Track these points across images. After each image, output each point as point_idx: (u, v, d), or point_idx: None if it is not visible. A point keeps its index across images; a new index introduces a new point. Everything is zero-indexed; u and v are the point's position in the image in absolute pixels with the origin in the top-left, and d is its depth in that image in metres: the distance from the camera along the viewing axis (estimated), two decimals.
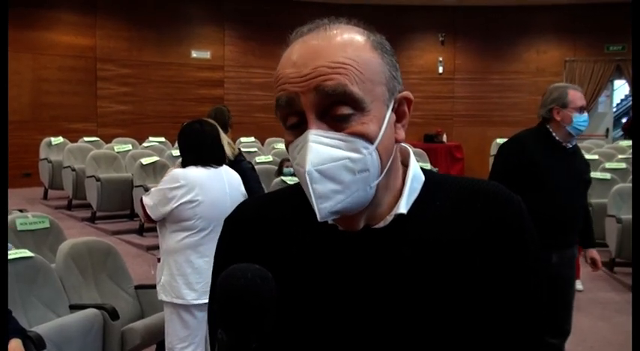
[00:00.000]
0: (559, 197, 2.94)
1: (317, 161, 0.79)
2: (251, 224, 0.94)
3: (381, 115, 0.83)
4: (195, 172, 3.03)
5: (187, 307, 3.01)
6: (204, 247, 2.98)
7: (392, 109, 0.86)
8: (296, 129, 0.83)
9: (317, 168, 0.79)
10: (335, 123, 0.81)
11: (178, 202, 2.96)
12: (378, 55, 0.84)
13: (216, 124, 3.32)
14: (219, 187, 3.04)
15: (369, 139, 0.81)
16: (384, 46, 0.86)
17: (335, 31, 0.84)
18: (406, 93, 0.88)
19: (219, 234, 3.13)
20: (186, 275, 2.99)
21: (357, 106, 0.80)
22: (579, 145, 3.24)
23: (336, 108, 0.80)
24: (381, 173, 0.84)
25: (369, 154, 0.81)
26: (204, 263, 2.97)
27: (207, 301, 3.09)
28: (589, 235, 3.27)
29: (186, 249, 3.00)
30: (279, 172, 6.31)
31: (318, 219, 0.80)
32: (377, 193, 0.84)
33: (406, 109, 0.89)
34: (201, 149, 3.09)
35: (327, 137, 0.80)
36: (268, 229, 0.93)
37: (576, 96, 3.01)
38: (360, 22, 0.88)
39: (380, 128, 0.82)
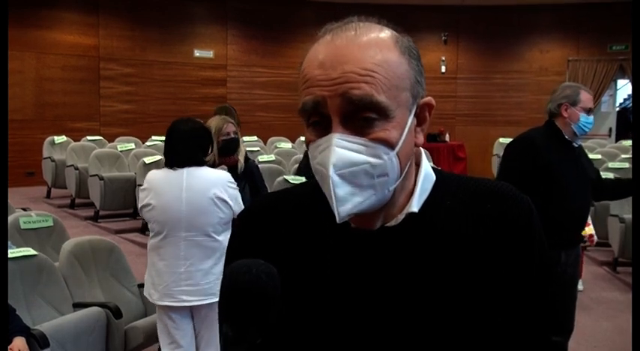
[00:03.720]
0: (570, 196, 2.97)
1: (339, 165, 0.80)
2: (263, 221, 0.95)
3: (403, 121, 0.84)
4: (154, 175, 3.00)
5: (162, 307, 3.02)
6: (163, 250, 2.94)
7: (414, 114, 0.86)
8: (318, 127, 0.83)
9: (339, 172, 0.80)
10: (359, 128, 0.81)
11: (140, 205, 3.03)
12: (406, 60, 0.85)
13: (205, 124, 3.28)
14: (173, 191, 2.88)
15: (391, 145, 0.82)
16: (411, 50, 0.86)
17: (364, 32, 0.84)
18: (428, 99, 0.89)
19: (174, 238, 3.09)
20: (152, 276, 3.01)
21: (382, 113, 0.81)
22: (582, 144, 3.26)
23: (360, 114, 0.81)
24: (400, 177, 0.85)
25: (389, 159, 0.82)
26: (163, 266, 2.94)
27: (167, 303, 3.08)
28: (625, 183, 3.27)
29: (151, 251, 3.03)
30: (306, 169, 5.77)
31: (337, 221, 0.82)
32: (393, 194, 0.86)
33: (427, 114, 0.90)
34: (166, 150, 3.03)
35: (350, 142, 0.81)
36: (280, 226, 0.93)
37: (587, 97, 3.06)
38: (389, 23, 0.88)
39: (402, 134, 0.83)
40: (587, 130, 3.05)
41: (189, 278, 2.89)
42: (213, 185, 2.89)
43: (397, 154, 0.83)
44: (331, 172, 0.80)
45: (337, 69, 0.81)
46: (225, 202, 2.89)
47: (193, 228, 2.87)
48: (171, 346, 3.03)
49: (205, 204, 2.87)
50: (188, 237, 2.88)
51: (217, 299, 2.57)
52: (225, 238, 2.87)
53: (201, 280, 2.89)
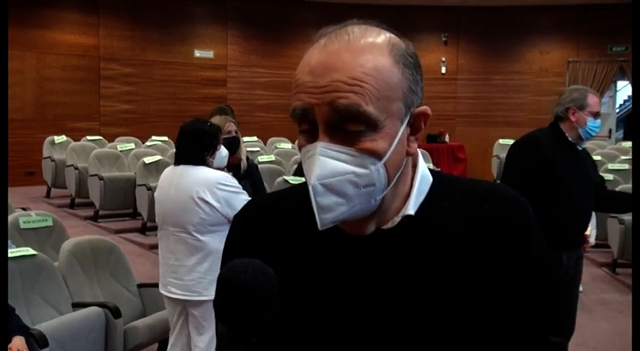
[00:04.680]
0: (572, 197, 2.97)
1: (322, 174, 0.79)
2: (261, 220, 0.95)
3: (393, 132, 0.82)
4: (164, 171, 3.15)
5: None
6: (160, 242, 3.10)
7: (407, 124, 0.85)
8: (309, 135, 0.83)
9: (322, 182, 0.79)
10: (346, 137, 0.80)
11: None
12: (399, 69, 0.83)
13: (216, 125, 3.30)
14: (166, 187, 3.02)
15: (378, 156, 0.81)
16: (407, 58, 0.84)
17: (357, 39, 0.82)
18: (424, 108, 0.87)
19: (165, 232, 3.19)
20: (160, 265, 3.14)
21: (370, 123, 0.80)
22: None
23: (347, 124, 0.80)
24: (387, 187, 0.84)
25: (376, 170, 0.81)
26: (161, 257, 3.09)
27: (162, 291, 3.14)
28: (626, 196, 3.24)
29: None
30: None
31: (319, 228, 0.81)
32: (383, 201, 0.85)
33: (422, 123, 0.88)
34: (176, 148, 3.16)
35: (334, 151, 0.80)
36: (279, 225, 0.93)
37: (594, 101, 3.05)
38: (389, 28, 0.87)
39: (390, 145, 0.82)
40: (593, 134, 3.05)
41: (175, 272, 2.99)
42: (197, 185, 2.90)
43: (385, 164, 0.82)
44: (313, 180, 0.79)
45: (326, 77, 0.80)
46: (208, 203, 2.87)
47: (177, 224, 2.95)
48: (172, 332, 3.17)
49: (186, 202, 2.91)
50: (175, 232, 2.97)
51: (202, 298, 2.60)
52: (210, 239, 2.90)
53: (185, 276, 2.96)
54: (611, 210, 3.51)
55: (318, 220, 0.81)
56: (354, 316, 0.85)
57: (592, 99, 3.04)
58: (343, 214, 0.81)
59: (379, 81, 0.80)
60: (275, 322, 0.79)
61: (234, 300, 0.74)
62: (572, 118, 3.01)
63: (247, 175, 3.67)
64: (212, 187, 2.89)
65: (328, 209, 0.80)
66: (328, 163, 0.79)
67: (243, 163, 3.69)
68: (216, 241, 2.88)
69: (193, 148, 3.00)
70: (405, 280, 0.85)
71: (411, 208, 0.87)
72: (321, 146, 0.80)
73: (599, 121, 3.05)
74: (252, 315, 0.74)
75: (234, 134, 3.63)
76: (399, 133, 0.83)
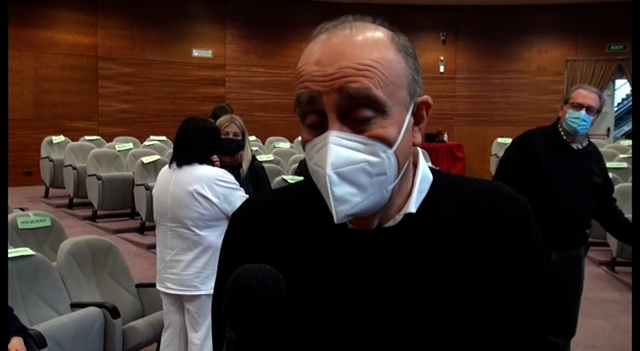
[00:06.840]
0: (560, 196, 2.94)
1: (337, 163, 0.78)
2: (260, 218, 0.94)
3: (401, 119, 0.83)
4: (162, 170, 3.17)
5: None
6: (157, 238, 3.13)
7: (411, 113, 0.86)
8: (315, 128, 0.82)
9: (336, 170, 0.78)
10: (356, 125, 0.80)
11: None
12: (402, 57, 0.84)
13: (213, 123, 3.29)
14: (164, 183, 3.04)
15: (389, 143, 0.81)
16: (407, 48, 0.86)
17: (359, 31, 0.83)
18: (426, 97, 0.88)
19: (163, 228, 3.22)
20: (157, 261, 3.16)
21: (379, 109, 0.80)
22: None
23: (357, 110, 0.80)
24: (397, 177, 0.84)
25: (387, 158, 0.81)
26: (158, 253, 3.11)
27: (159, 288, 3.08)
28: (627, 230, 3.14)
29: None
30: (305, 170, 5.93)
31: (335, 221, 0.80)
32: (391, 195, 0.85)
33: (424, 113, 0.89)
34: (174, 147, 3.15)
35: (347, 139, 0.79)
36: (278, 224, 0.92)
37: (580, 94, 3.00)
38: (384, 22, 0.88)
39: (399, 132, 0.82)
40: (573, 126, 2.95)
41: (173, 267, 3.00)
42: (196, 181, 2.92)
43: (395, 152, 0.82)
44: (329, 170, 0.78)
45: (333, 65, 0.80)
46: (207, 198, 2.90)
47: (176, 220, 2.97)
48: (166, 329, 3.17)
49: (185, 198, 2.93)
50: (173, 228, 2.98)
51: (199, 292, 2.59)
52: (208, 233, 2.93)
53: (183, 271, 2.97)
54: (607, 229, 3.38)
55: (334, 213, 0.79)
56: (357, 312, 0.85)
57: (577, 92, 3.00)
58: (358, 204, 0.80)
59: (386, 68, 0.81)
60: (283, 323, 0.78)
61: (244, 306, 0.73)
62: (560, 114, 3.03)
63: (251, 176, 3.61)
64: (211, 182, 2.92)
65: (343, 200, 0.79)
66: (342, 152, 0.79)
67: (243, 171, 3.61)
68: (214, 236, 2.92)
69: (203, 147, 3.01)
70: (407, 278, 0.85)
71: (412, 206, 0.87)
72: (333, 135, 0.79)
73: (578, 112, 2.94)
74: (262, 320, 0.74)
75: (231, 136, 3.57)
76: (406, 121, 0.84)
